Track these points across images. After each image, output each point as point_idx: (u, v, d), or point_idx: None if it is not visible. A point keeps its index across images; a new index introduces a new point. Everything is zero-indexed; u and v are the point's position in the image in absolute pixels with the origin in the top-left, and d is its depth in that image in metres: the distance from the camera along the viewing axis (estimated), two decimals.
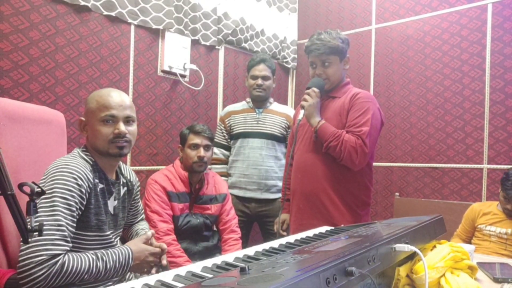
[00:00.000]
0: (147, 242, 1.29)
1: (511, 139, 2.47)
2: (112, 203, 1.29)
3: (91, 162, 1.23)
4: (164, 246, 1.32)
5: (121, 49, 2.19)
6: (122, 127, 1.22)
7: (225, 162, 2.44)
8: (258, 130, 2.34)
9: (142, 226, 1.54)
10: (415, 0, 2.84)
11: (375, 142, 1.70)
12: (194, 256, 1.91)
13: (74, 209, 1.11)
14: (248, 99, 2.43)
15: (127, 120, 1.26)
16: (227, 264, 0.84)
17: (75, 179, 1.13)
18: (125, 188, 1.38)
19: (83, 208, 1.16)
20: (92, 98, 1.25)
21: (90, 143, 1.26)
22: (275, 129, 2.34)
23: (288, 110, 2.45)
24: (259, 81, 2.30)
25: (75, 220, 1.12)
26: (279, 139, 2.35)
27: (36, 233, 0.85)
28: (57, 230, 1.05)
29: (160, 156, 2.42)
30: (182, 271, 0.80)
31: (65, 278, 1.03)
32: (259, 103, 2.38)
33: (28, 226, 0.84)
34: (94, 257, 1.12)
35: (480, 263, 1.26)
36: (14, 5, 1.75)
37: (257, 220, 2.41)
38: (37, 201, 1.07)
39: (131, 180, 1.44)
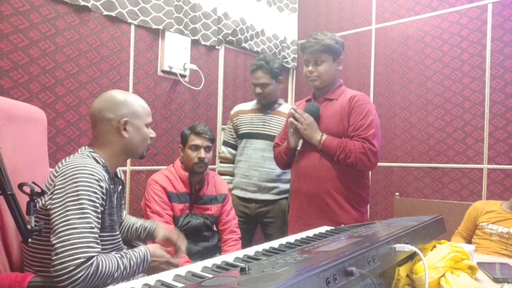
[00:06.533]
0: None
1: (511, 139, 2.47)
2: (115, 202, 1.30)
3: (101, 163, 1.23)
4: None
5: (121, 49, 2.19)
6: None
7: (232, 161, 2.42)
8: (263, 132, 2.29)
9: (148, 223, 1.52)
10: (415, 0, 2.84)
11: (380, 140, 1.78)
12: (194, 256, 1.91)
13: (99, 210, 1.13)
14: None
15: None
16: (227, 264, 0.84)
17: (97, 180, 1.13)
18: (120, 187, 1.39)
19: (103, 210, 1.17)
20: (134, 103, 1.29)
21: (126, 143, 1.27)
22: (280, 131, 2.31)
23: None
24: (258, 90, 2.25)
25: (100, 221, 1.14)
26: None
27: (36, 233, 0.86)
28: (90, 232, 1.06)
29: (160, 156, 2.42)
30: (182, 271, 0.80)
31: (100, 279, 1.05)
32: (267, 104, 2.34)
33: (28, 226, 0.84)
34: (118, 255, 1.13)
35: (480, 263, 1.26)
36: (14, 5, 1.75)
37: (257, 221, 2.38)
38: (61, 203, 1.07)
39: (121, 177, 1.44)
